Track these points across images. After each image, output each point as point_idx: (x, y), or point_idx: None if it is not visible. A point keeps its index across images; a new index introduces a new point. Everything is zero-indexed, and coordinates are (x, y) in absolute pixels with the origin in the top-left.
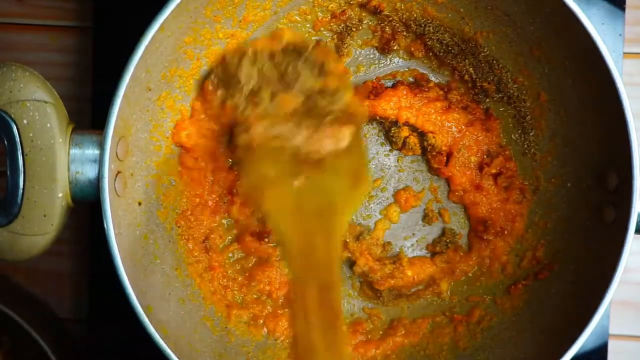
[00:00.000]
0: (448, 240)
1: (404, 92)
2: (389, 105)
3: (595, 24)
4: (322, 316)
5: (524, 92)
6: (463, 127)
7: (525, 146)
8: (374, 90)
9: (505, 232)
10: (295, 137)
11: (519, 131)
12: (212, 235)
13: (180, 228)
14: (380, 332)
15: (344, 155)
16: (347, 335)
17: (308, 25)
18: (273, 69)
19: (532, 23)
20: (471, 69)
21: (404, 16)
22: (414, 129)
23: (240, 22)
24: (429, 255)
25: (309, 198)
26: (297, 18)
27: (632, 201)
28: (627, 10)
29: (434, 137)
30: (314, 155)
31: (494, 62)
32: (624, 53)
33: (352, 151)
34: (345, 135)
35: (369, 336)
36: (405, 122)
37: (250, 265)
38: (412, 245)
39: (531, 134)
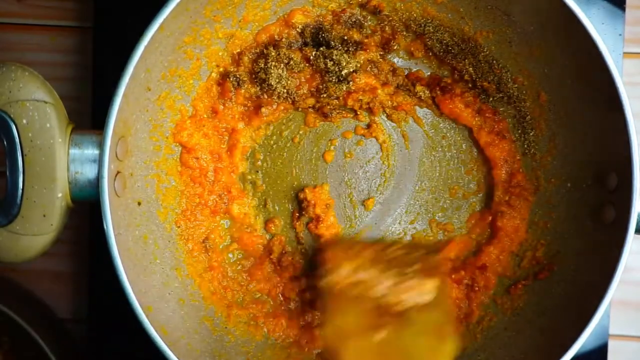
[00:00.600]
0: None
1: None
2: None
3: (595, 24)
4: None
5: (524, 92)
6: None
7: (525, 146)
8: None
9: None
10: (379, 284)
11: (519, 131)
12: (212, 235)
13: (180, 228)
14: None
15: (428, 309)
16: None
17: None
18: (301, 62)
19: (532, 23)
20: (471, 68)
21: (404, 16)
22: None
23: (240, 22)
24: None
25: (392, 353)
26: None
27: (632, 201)
28: (627, 10)
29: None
30: (396, 307)
31: (494, 62)
32: (624, 53)
33: (437, 306)
34: (429, 289)
35: None
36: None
37: (250, 265)
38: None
39: (531, 134)
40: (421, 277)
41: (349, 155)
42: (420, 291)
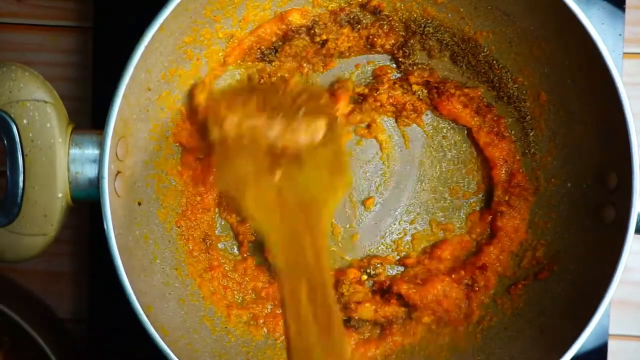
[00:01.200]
0: None
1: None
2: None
3: (595, 24)
4: (316, 315)
5: (524, 92)
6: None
7: (525, 146)
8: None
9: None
10: (269, 130)
11: (519, 131)
12: (212, 235)
13: (180, 228)
14: (378, 331)
15: (321, 147)
16: (345, 335)
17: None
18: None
19: (532, 23)
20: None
21: (404, 16)
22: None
23: (240, 22)
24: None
25: (290, 193)
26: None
27: (632, 201)
28: (627, 10)
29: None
30: (290, 149)
31: (494, 62)
32: (624, 53)
33: (328, 143)
34: (319, 128)
35: (368, 335)
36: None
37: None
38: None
39: (531, 134)
40: (309, 117)
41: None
42: (310, 130)
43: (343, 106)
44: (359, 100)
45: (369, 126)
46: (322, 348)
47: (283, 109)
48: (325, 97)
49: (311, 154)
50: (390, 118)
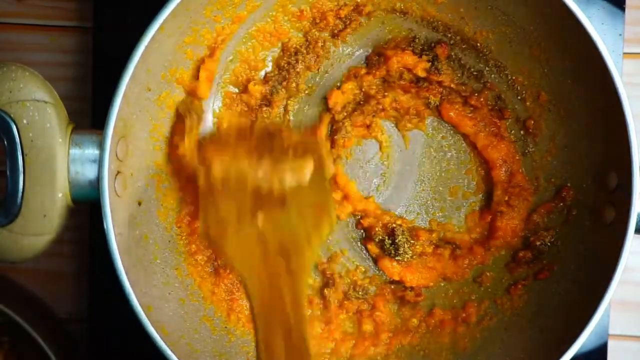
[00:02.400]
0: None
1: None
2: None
3: (595, 24)
4: (289, 354)
5: (524, 92)
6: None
7: (525, 146)
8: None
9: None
10: (256, 171)
11: (520, 131)
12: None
13: (180, 228)
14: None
15: (307, 190)
16: None
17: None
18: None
19: (532, 23)
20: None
21: None
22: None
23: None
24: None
25: (272, 237)
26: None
27: (632, 201)
28: (627, 10)
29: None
30: (276, 191)
31: (494, 62)
32: (624, 53)
33: (315, 186)
34: (307, 167)
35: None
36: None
37: None
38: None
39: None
40: (298, 158)
41: (348, 156)
42: (296, 171)
43: (323, 131)
44: (361, 101)
45: (369, 126)
46: None
47: (273, 151)
48: (313, 136)
49: (297, 195)
50: (390, 121)
